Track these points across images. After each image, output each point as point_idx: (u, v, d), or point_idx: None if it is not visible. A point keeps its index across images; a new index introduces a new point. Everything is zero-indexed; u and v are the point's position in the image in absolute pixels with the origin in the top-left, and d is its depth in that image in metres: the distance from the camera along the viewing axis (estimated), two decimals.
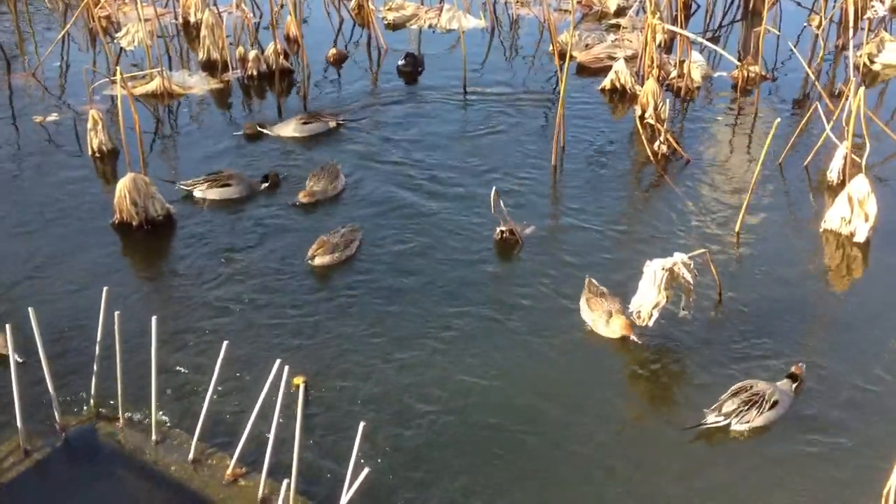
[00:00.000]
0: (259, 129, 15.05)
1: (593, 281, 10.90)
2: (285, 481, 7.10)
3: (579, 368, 10.16)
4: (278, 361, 8.06)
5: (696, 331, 10.63)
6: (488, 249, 12.19)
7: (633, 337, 10.26)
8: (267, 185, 13.52)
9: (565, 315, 10.91)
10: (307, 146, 14.91)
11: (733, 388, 9.43)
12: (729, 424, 9.19)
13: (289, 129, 15.12)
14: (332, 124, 15.29)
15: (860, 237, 12.24)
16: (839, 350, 10.36)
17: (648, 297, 10.24)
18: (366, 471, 7.24)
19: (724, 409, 9.22)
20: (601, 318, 10.44)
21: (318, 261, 11.75)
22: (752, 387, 9.36)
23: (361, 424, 7.52)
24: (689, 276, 10.23)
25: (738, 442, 9.20)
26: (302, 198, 13.06)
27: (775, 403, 9.23)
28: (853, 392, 9.75)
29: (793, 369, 9.74)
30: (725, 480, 8.75)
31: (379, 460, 8.76)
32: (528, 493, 8.56)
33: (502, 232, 12.29)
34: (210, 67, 17.74)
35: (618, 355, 10.32)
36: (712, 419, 9.22)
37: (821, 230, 12.60)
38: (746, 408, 9.18)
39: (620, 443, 9.17)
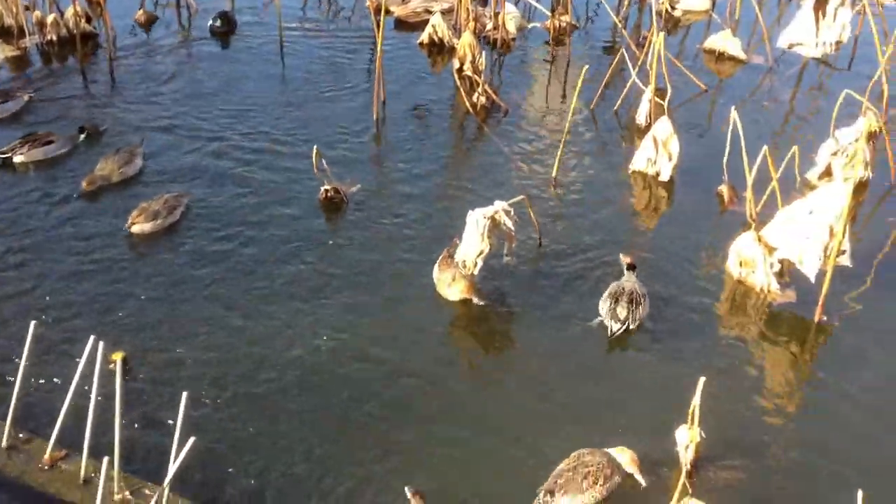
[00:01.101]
0: None
1: (458, 242, 10.76)
2: (105, 458, 6.92)
3: (412, 320, 10.32)
4: (92, 338, 7.80)
5: (520, 277, 11.03)
6: (314, 210, 12.14)
7: (475, 300, 10.39)
8: (84, 135, 13.27)
9: (394, 271, 11.05)
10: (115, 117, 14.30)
11: (608, 293, 10.30)
12: (628, 328, 10.13)
13: None
14: (25, 98, 14.33)
15: (665, 176, 12.94)
16: (653, 278, 10.97)
17: (472, 247, 10.49)
18: (192, 440, 7.16)
19: (620, 316, 10.10)
20: (447, 279, 10.49)
21: (136, 228, 11.36)
22: (625, 289, 10.23)
23: (185, 394, 7.41)
24: (510, 223, 10.53)
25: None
26: (85, 186, 12.10)
27: (644, 296, 10.30)
28: (665, 307, 10.48)
29: (626, 260, 10.68)
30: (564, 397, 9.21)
31: (206, 429, 8.66)
32: (368, 453, 8.70)
33: (327, 191, 12.25)
34: (5, 34, 16.65)
35: (447, 309, 10.57)
36: (617, 327, 10.09)
37: (629, 171, 13.23)
38: (633, 307, 10.10)
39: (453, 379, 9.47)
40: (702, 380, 7.91)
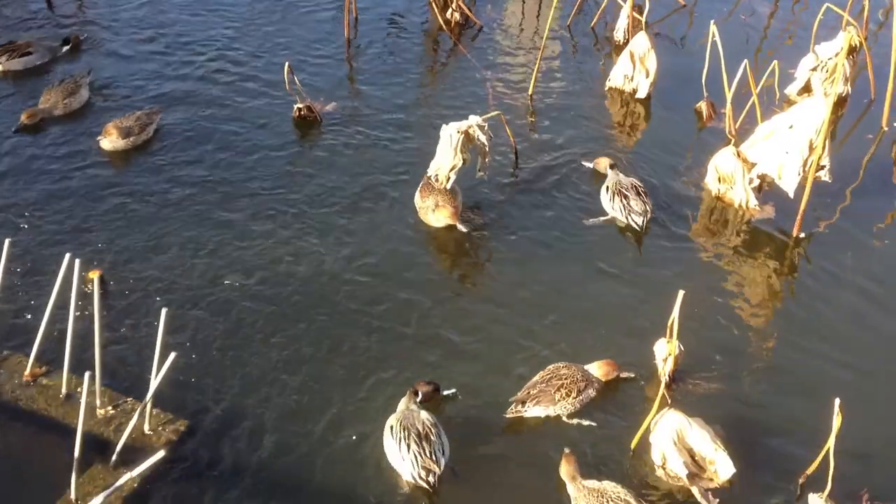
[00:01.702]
0: None
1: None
2: (87, 373, 6.86)
3: (389, 239, 10.26)
4: (68, 256, 7.68)
5: (497, 193, 10.98)
6: (288, 129, 11.92)
7: (459, 226, 10.26)
8: (68, 47, 12.93)
9: (370, 189, 10.93)
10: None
11: (610, 191, 10.58)
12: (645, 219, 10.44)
13: None
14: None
15: (642, 93, 12.83)
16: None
17: (445, 160, 10.38)
18: (172, 355, 7.12)
19: (638, 209, 10.40)
20: (429, 207, 10.32)
21: (107, 144, 11.09)
22: (623, 183, 10.60)
23: (164, 310, 7.35)
24: (483, 139, 10.42)
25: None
26: (24, 119, 11.37)
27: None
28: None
29: (607, 161, 10.99)
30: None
31: (186, 344, 8.63)
32: (352, 370, 8.72)
33: (300, 109, 12.01)
34: None
35: (426, 227, 10.50)
36: (641, 220, 10.39)
37: (606, 88, 13.11)
38: (644, 196, 10.54)
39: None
40: (680, 293, 7.96)
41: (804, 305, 9.82)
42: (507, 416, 8.22)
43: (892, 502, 7.64)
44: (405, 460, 7.56)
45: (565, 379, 8.32)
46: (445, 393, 8.21)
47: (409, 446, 7.55)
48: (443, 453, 7.65)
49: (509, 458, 7.98)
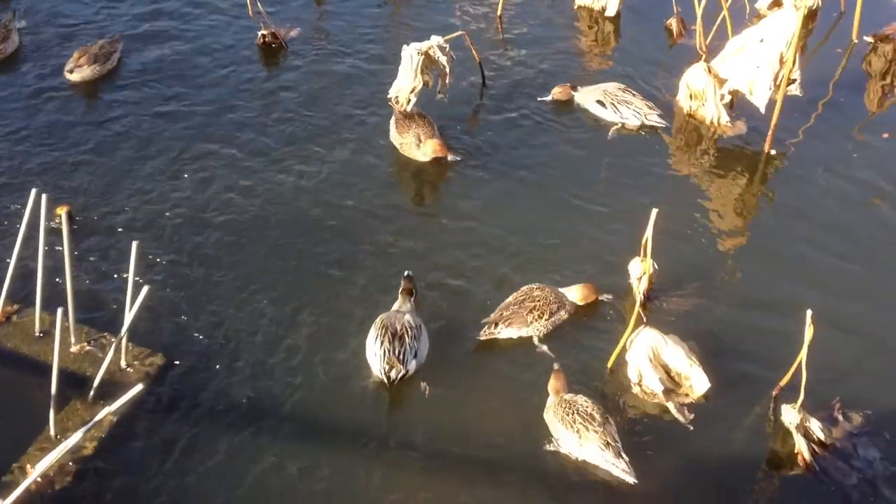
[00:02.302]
0: None
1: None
2: (59, 310, 6.79)
3: (362, 163, 10.17)
4: (34, 191, 7.51)
5: (464, 118, 10.88)
6: (253, 57, 11.67)
7: (449, 157, 10.08)
8: None
9: (337, 115, 10.77)
10: None
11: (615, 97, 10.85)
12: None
13: None
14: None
15: (611, 11, 12.65)
16: None
17: (406, 82, 10.22)
18: (146, 289, 7.04)
19: (647, 108, 10.84)
20: (412, 142, 10.08)
21: (76, 76, 10.81)
22: (619, 88, 10.97)
23: (135, 244, 7.26)
24: (444, 60, 10.26)
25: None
26: None
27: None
28: (615, 143, 10.49)
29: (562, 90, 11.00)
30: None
31: (160, 277, 8.56)
32: (327, 295, 8.69)
33: (263, 36, 11.76)
34: None
35: (387, 154, 10.40)
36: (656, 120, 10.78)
37: (575, 7, 12.92)
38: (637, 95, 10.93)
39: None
40: (654, 212, 7.97)
41: (777, 220, 9.88)
42: (480, 338, 8.26)
43: (863, 409, 7.80)
44: (376, 356, 7.77)
45: (538, 301, 8.36)
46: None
47: (381, 343, 7.75)
48: (414, 356, 7.80)
49: (481, 380, 8.03)
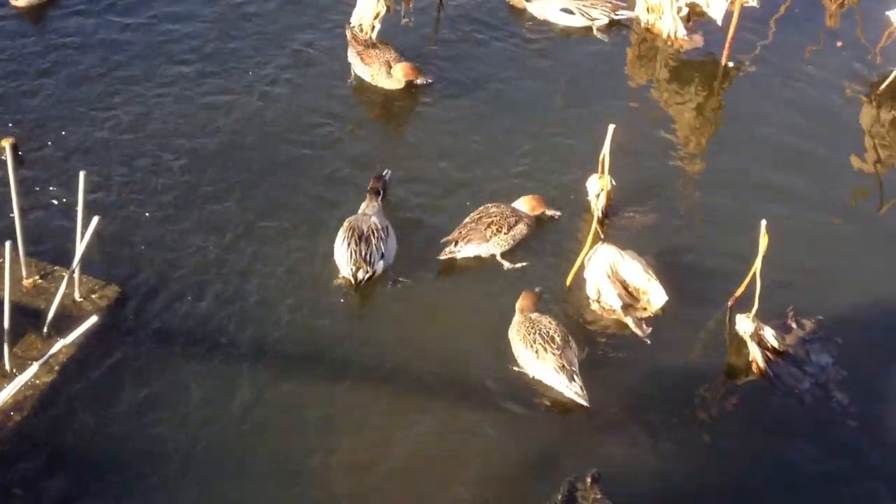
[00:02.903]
0: None
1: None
2: (8, 242, 6.65)
3: (320, 94, 10.01)
4: None
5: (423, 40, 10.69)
6: None
7: (420, 80, 9.88)
8: None
9: (298, 42, 10.55)
10: None
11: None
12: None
13: None
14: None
15: None
16: (560, 31, 10.77)
17: (368, 8, 10.01)
18: (95, 219, 6.91)
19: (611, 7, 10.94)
20: (381, 70, 9.85)
21: (22, 0, 10.42)
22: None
23: (82, 174, 7.10)
24: None
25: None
26: None
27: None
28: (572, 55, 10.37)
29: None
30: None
31: (111, 208, 8.39)
32: (275, 210, 8.62)
33: None
34: None
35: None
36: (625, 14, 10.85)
37: None
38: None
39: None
40: (611, 127, 7.93)
41: (734, 134, 9.89)
42: (441, 258, 8.25)
43: (815, 316, 7.93)
44: (343, 257, 7.89)
45: (495, 216, 8.34)
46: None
47: (348, 244, 7.88)
48: (381, 257, 7.93)
49: (446, 299, 8.06)
